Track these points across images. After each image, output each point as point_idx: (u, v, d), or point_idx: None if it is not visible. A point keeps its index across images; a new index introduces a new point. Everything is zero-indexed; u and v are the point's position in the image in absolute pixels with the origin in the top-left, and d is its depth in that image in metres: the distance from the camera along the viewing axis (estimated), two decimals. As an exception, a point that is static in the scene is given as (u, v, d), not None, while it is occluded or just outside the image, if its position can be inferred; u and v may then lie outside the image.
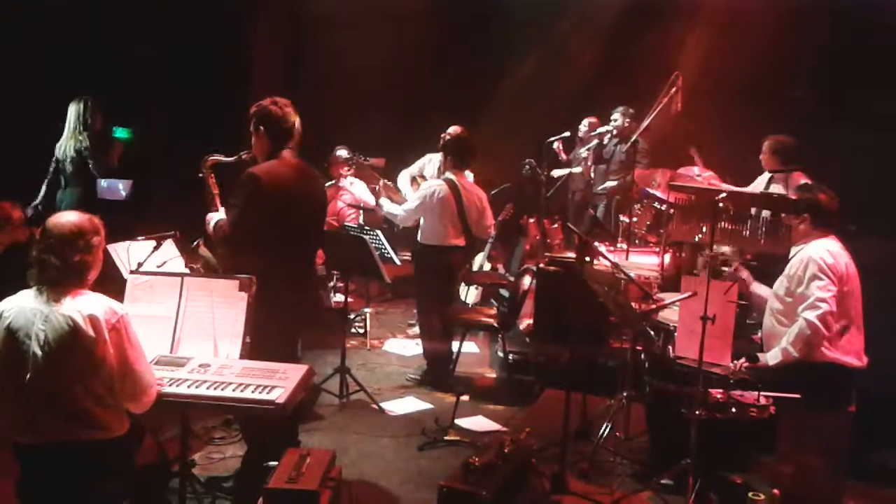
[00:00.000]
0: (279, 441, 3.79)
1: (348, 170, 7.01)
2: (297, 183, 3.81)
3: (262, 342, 3.49)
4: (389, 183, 6.58)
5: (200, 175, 3.99)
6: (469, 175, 5.79)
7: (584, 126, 7.59)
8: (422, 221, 5.68)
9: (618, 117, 7.10)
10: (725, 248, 4.74)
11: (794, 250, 4.21)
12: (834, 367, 3.94)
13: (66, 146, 6.20)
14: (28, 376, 2.77)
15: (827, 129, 6.12)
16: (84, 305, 2.80)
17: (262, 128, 3.80)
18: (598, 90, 7.78)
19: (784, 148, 5.53)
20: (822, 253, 3.99)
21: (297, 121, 3.85)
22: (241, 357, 3.34)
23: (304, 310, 3.95)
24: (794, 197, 4.38)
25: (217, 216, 3.89)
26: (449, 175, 5.65)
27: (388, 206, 5.97)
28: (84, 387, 2.79)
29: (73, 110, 6.18)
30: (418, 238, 5.73)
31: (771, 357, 4.02)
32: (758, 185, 5.68)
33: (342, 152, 7.00)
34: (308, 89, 7.32)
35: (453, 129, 5.76)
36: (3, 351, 2.83)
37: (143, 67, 7.39)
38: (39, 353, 2.76)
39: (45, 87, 6.62)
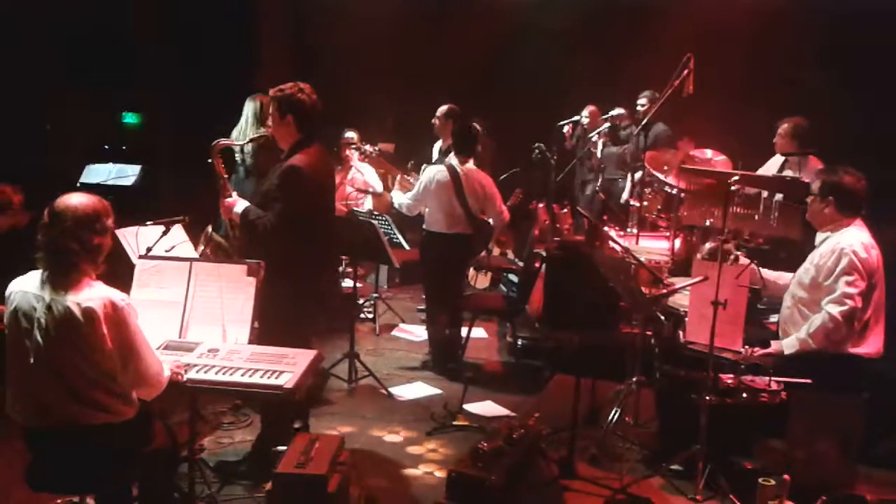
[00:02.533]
0: (288, 426, 3.80)
1: (360, 156, 6.96)
2: (326, 172, 3.95)
3: (290, 327, 3.61)
4: (407, 176, 6.50)
5: (209, 161, 3.98)
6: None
7: (585, 115, 7.49)
8: (426, 208, 5.66)
9: (644, 101, 7.03)
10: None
11: (820, 236, 4.04)
12: (849, 358, 3.87)
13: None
14: (32, 360, 2.77)
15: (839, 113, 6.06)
16: (84, 297, 2.74)
17: (289, 116, 3.81)
18: (608, 74, 7.70)
19: (803, 131, 5.46)
20: (855, 246, 3.82)
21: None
22: (250, 342, 3.34)
23: (328, 295, 4.06)
24: (807, 180, 4.31)
25: (243, 205, 3.87)
26: (451, 160, 5.57)
27: (397, 197, 5.90)
28: (85, 375, 2.77)
29: (249, 108, 6.26)
30: (423, 225, 5.70)
31: (787, 345, 3.94)
32: (770, 169, 5.62)
33: (351, 135, 6.95)
34: (317, 72, 7.28)
35: (442, 110, 5.71)
36: (11, 332, 2.84)
37: (153, 53, 7.38)
38: (40, 339, 2.75)
39: (49, 74, 6.63)
